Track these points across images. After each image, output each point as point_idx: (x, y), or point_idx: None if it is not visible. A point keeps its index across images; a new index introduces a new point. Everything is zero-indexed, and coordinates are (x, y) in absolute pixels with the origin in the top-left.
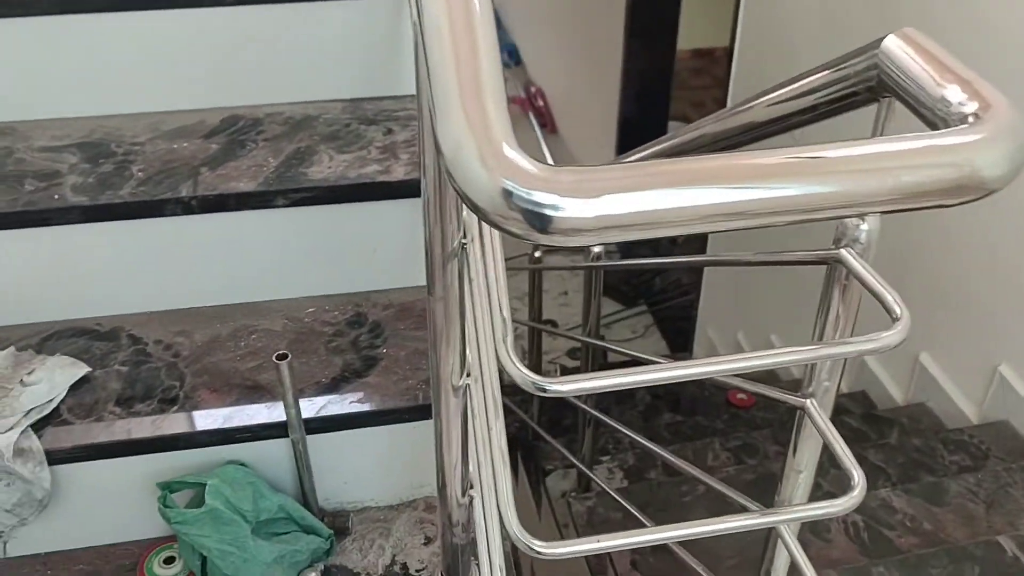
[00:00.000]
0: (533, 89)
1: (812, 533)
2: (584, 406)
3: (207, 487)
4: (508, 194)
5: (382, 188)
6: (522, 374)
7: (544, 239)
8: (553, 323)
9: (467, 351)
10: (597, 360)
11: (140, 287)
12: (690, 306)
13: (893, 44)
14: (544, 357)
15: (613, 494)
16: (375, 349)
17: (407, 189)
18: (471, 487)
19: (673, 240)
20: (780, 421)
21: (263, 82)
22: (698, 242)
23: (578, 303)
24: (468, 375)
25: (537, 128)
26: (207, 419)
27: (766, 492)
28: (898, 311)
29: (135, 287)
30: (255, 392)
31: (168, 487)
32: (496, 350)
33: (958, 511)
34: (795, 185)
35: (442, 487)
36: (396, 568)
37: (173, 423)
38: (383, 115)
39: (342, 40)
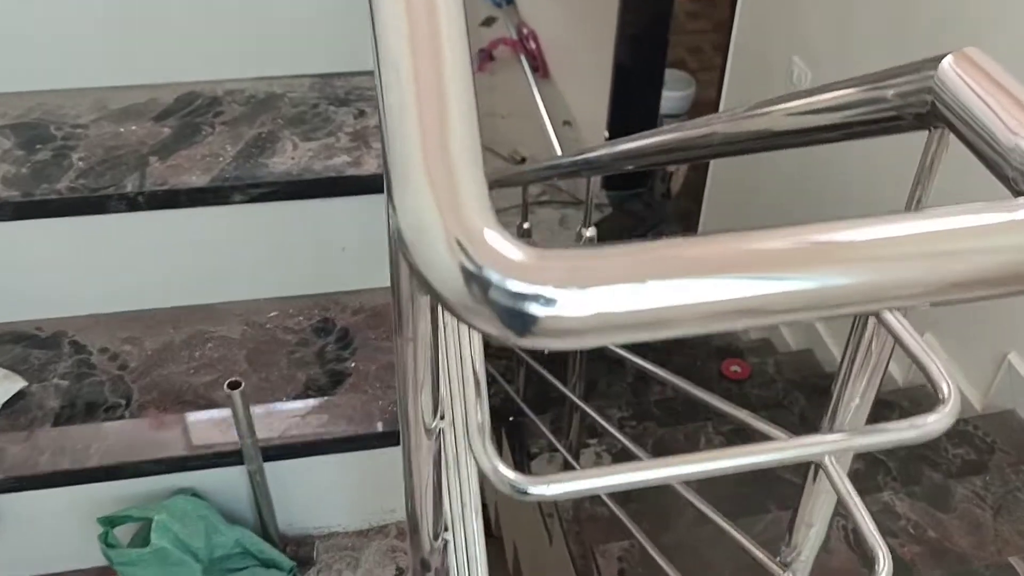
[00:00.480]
0: (525, 31)
1: None
2: (571, 394)
3: (153, 523)
4: (484, 286)
5: (351, 183)
6: (498, 474)
7: (527, 342)
8: None
9: (440, 389)
10: None
11: (84, 288)
12: None
13: (953, 68)
14: None
15: (604, 497)
16: (343, 362)
17: (379, 183)
18: (445, 529)
19: (666, 194)
20: (776, 400)
21: (224, 54)
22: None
23: None
24: (442, 418)
25: (529, 73)
26: (155, 445)
27: (759, 490)
28: (946, 390)
29: (78, 288)
30: (209, 412)
31: (111, 522)
32: (470, 441)
33: (964, 517)
34: (852, 275)
35: (414, 530)
36: None
37: (116, 449)
38: (355, 94)
39: (312, 8)
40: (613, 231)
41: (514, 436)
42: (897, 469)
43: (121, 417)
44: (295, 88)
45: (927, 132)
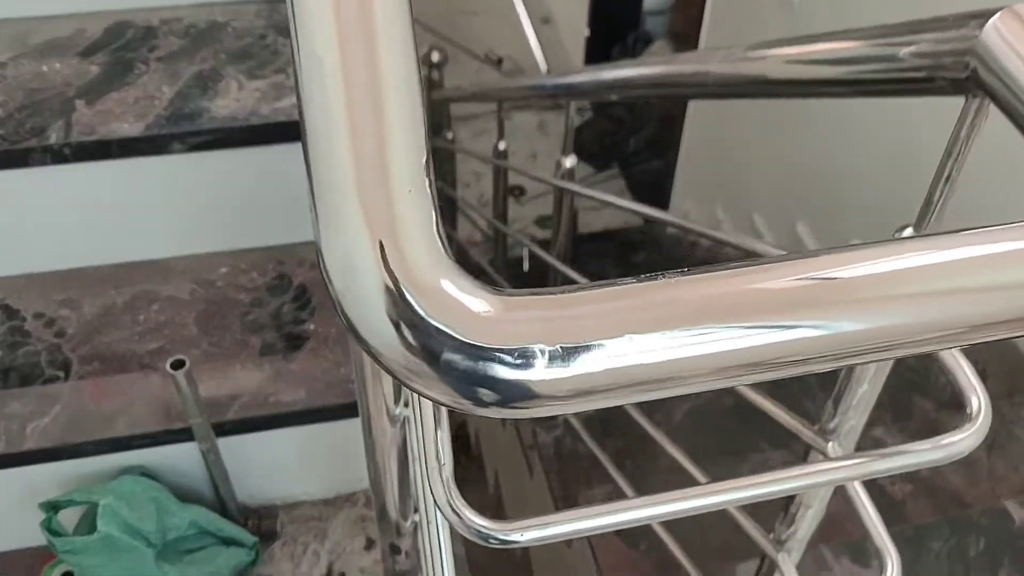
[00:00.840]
0: None
1: None
2: None
3: (99, 508)
4: (435, 347)
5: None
6: (465, 523)
7: (490, 413)
8: (521, 189)
9: None
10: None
11: (12, 245)
12: (666, 171)
13: (1002, 32)
14: (511, 226)
15: (584, 435)
16: (301, 324)
17: None
18: (415, 511)
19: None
20: None
21: None
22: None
23: (549, 165)
24: (406, 404)
25: None
26: (97, 423)
27: (750, 425)
28: (975, 404)
29: (6, 246)
30: (156, 383)
31: (53, 507)
32: (431, 488)
33: None
34: (886, 318)
35: (381, 515)
36: None
37: (55, 429)
38: None
39: None
40: (594, 138)
41: None
42: (888, 399)
43: (59, 391)
44: (239, 16)
45: (963, 99)
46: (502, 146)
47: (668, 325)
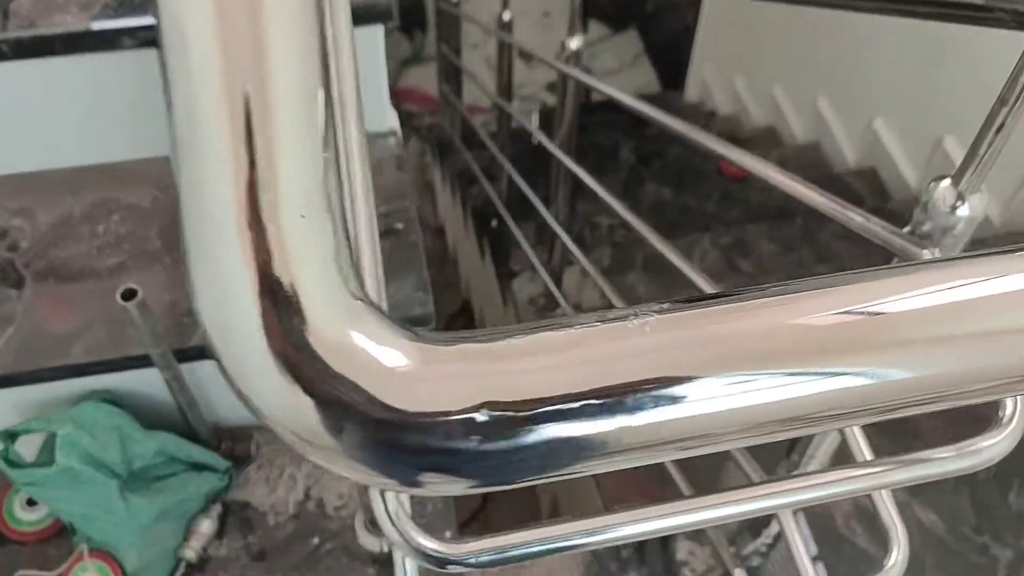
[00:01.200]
0: None
1: None
2: (553, 222)
3: (58, 439)
4: (337, 418)
5: None
6: (414, 549)
7: (420, 492)
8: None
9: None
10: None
11: None
12: (685, 34)
13: None
14: (520, 91)
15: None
16: None
17: None
18: None
19: None
20: (777, 205)
21: None
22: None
23: (561, 26)
24: None
25: None
26: (53, 347)
27: None
28: (1009, 407)
29: None
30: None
31: (10, 436)
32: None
33: None
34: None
35: None
36: (311, 505)
37: (8, 354)
38: None
39: None
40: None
41: (496, 247)
42: None
43: (13, 312)
44: None
45: None
46: (506, 16)
47: (633, 380)
